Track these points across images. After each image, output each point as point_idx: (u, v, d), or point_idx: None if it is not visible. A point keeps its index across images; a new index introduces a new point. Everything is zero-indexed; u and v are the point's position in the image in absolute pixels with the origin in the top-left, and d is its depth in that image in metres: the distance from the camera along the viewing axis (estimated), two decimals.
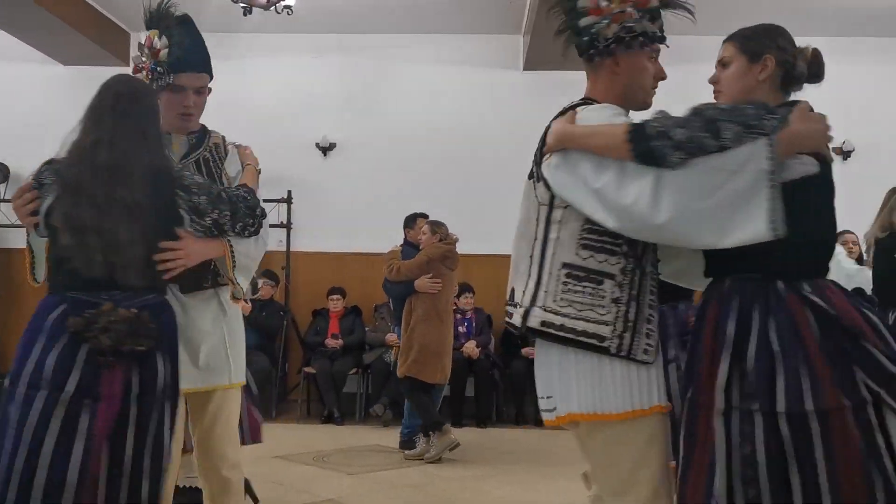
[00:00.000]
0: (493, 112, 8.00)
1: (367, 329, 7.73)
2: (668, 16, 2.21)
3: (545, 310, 2.09)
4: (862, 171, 7.52)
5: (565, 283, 2.07)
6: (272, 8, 6.52)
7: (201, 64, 2.75)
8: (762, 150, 1.91)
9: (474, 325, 7.47)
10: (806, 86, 2.20)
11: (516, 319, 2.15)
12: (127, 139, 2.35)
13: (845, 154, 7.83)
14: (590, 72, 2.24)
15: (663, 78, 2.23)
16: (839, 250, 4.99)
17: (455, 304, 6.79)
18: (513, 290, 2.20)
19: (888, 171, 6.49)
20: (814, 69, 2.19)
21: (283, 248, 7.86)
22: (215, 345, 2.71)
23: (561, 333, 2.06)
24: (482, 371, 7.28)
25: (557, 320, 2.07)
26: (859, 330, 1.98)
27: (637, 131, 1.97)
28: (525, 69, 8.01)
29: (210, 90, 2.83)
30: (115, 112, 2.38)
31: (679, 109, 2.01)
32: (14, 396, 2.21)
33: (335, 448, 6.15)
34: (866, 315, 2.02)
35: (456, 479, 5.25)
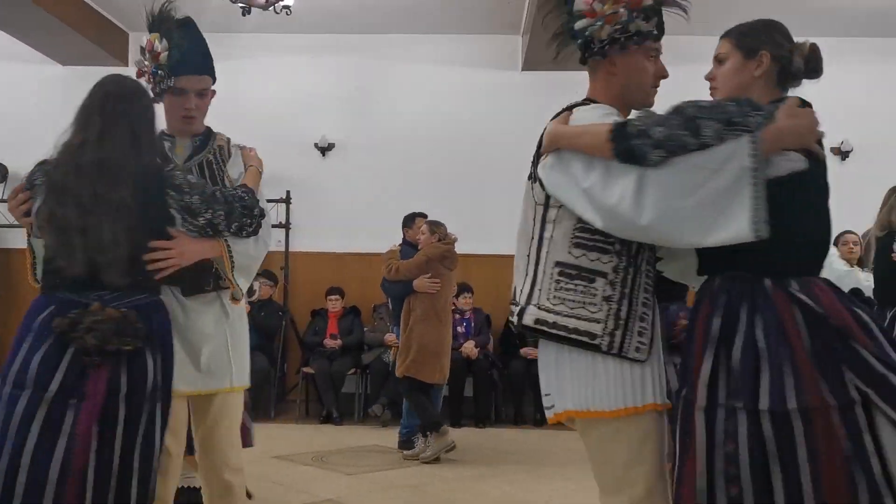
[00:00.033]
0: (492, 112, 8.00)
1: (365, 329, 7.73)
2: (667, 16, 2.21)
3: (539, 308, 2.11)
4: (860, 171, 7.52)
5: (558, 282, 2.10)
6: (271, 8, 6.51)
7: (202, 66, 2.74)
8: (745, 147, 1.90)
9: (473, 325, 7.47)
10: (805, 82, 2.18)
11: (514, 318, 2.17)
12: (115, 139, 2.36)
13: (843, 154, 7.84)
14: (590, 73, 2.26)
15: (664, 76, 2.23)
16: (832, 251, 5.01)
17: (454, 304, 6.79)
18: (515, 289, 2.23)
19: (886, 171, 6.49)
20: (811, 65, 2.16)
21: (282, 249, 7.86)
22: (217, 348, 2.70)
23: (553, 331, 2.09)
24: (481, 371, 7.28)
25: (550, 318, 2.09)
26: (848, 329, 1.96)
27: (619, 130, 1.99)
28: (524, 69, 8.01)
29: (214, 92, 2.82)
30: (103, 112, 2.39)
31: None
32: (0, 396, 2.24)
33: (334, 448, 6.15)
34: (857, 314, 2.00)
35: (454, 479, 5.25)
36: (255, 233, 2.60)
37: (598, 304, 2.06)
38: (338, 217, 7.98)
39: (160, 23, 2.70)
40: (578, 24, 2.18)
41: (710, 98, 2.16)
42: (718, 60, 2.19)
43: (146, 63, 2.70)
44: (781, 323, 1.97)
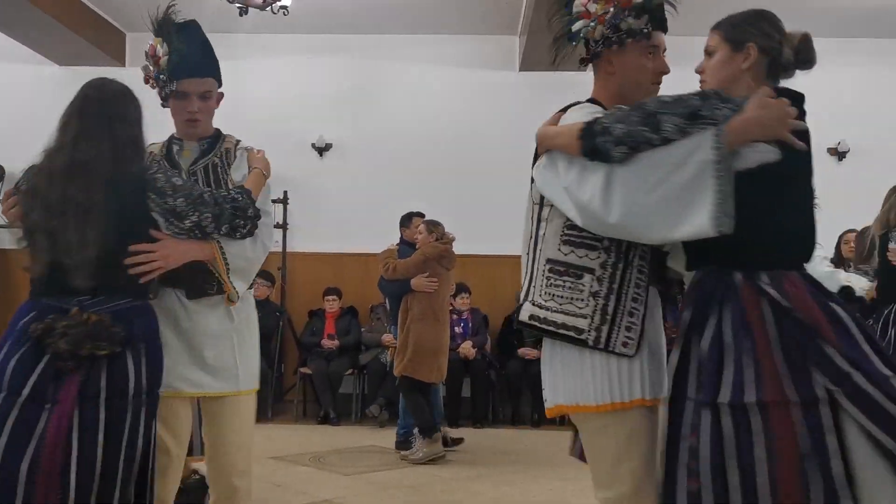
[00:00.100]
0: (489, 112, 8.01)
1: (363, 330, 7.73)
2: (668, 16, 2.23)
3: (533, 304, 2.16)
4: (857, 171, 7.56)
5: (548, 278, 2.14)
6: (268, 8, 6.51)
7: (204, 68, 2.72)
8: (708, 140, 1.90)
9: (470, 325, 7.47)
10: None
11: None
12: (90, 142, 2.36)
13: (840, 155, 7.85)
14: (594, 73, 2.29)
15: (665, 72, 2.24)
16: (818, 253, 5.02)
17: (451, 304, 6.79)
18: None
19: (883, 171, 6.50)
20: (802, 55, 2.11)
21: (279, 249, 7.85)
22: (223, 351, 2.68)
23: (544, 326, 2.13)
24: (478, 371, 7.28)
25: (542, 314, 2.14)
26: (815, 324, 1.93)
27: (586, 129, 2.01)
28: (521, 70, 8.02)
29: (222, 95, 2.81)
30: (81, 115, 2.40)
31: None
32: None
33: (331, 449, 6.14)
34: (830, 309, 1.96)
35: (452, 480, 5.25)
36: (250, 234, 2.59)
37: (586, 300, 2.09)
38: (335, 217, 7.97)
39: (161, 27, 2.70)
40: (576, 26, 2.21)
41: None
42: (707, 53, 2.18)
43: (151, 68, 2.70)
44: (746, 316, 1.96)
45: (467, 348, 7.24)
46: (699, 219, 1.89)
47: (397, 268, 5.87)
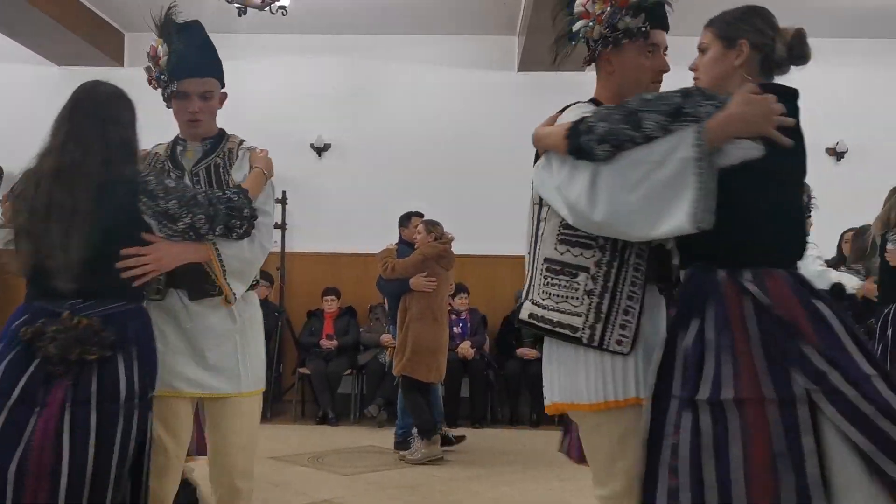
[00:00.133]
0: (488, 113, 8.00)
1: (361, 330, 7.73)
2: (669, 15, 2.24)
3: (532, 302, 2.19)
4: (855, 171, 7.56)
5: (545, 277, 2.16)
6: (267, 9, 6.51)
7: (204, 68, 2.71)
8: (689, 138, 1.90)
9: (469, 325, 7.47)
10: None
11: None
12: (79, 145, 2.36)
13: (839, 155, 7.85)
14: (596, 73, 2.30)
15: (665, 70, 2.25)
16: (811, 252, 5.05)
17: (450, 304, 6.79)
18: None
19: (882, 171, 6.51)
20: (796, 51, 2.09)
21: (278, 249, 7.85)
22: (225, 351, 2.67)
23: (541, 324, 2.15)
24: (477, 371, 7.28)
25: (540, 312, 2.16)
26: (793, 321, 1.91)
27: (573, 128, 2.03)
28: (520, 70, 8.02)
29: (225, 95, 2.81)
30: (71, 119, 2.40)
31: None
32: None
33: (330, 449, 6.14)
34: (812, 307, 1.94)
35: (450, 480, 5.25)
36: (247, 234, 2.57)
37: (580, 298, 2.10)
38: (334, 217, 7.97)
39: (163, 28, 2.70)
40: (576, 26, 2.23)
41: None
42: (701, 50, 2.17)
43: (153, 69, 2.70)
44: (727, 313, 1.95)
45: (466, 348, 7.24)
46: (678, 216, 1.89)
47: (396, 267, 5.87)
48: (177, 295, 2.62)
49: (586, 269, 2.11)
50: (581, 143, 2.00)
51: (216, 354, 2.65)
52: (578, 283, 2.10)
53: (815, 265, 5.13)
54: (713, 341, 1.94)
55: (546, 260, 2.16)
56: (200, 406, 2.79)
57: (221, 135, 2.81)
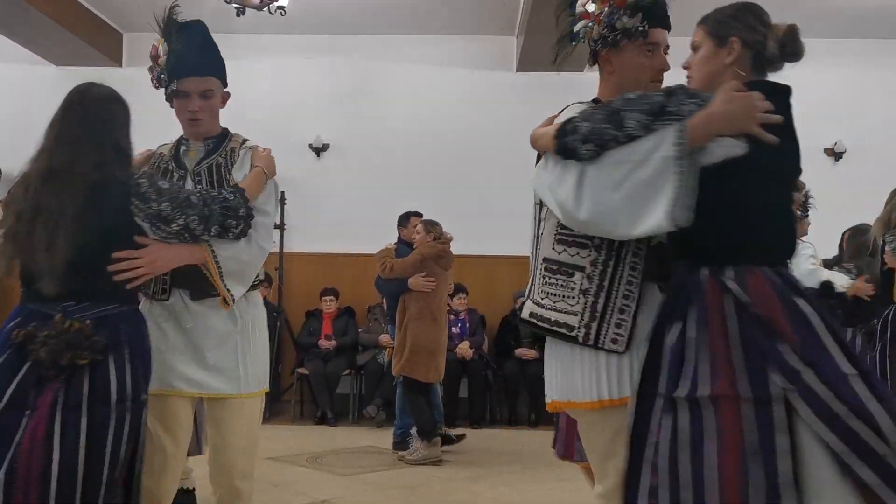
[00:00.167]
0: (487, 113, 8.00)
1: (360, 330, 7.72)
2: (671, 15, 2.25)
3: (532, 302, 2.22)
4: (854, 172, 7.56)
5: (544, 277, 2.18)
6: (266, 9, 6.51)
7: (204, 67, 2.71)
8: (670, 136, 1.90)
9: (468, 325, 7.47)
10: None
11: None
12: (69, 148, 2.36)
13: (837, 155, 7.85)
14: (599, 73, 2.31)
15: (665, 69, 2.25)
16: (805, 251, 5.06)
17: (448, 304, 6.79)
18: None
19: (880, 172, 6.52)
20: (788, 48, 2.05)
21: (277, 249, 7.85)
22: (225, 352, 2.67)
23: (539, 323, 2.18)
24: (475, 372, 7.28)
25: (538, 311, 2.18)
26: (771, 320, 1.90)
27: (561, 128, 2.05)
28: (518, 70, 8.01)
29: (228, 94, 2.80)
30: (62, 122, 2.40)
31: None
32: None
33: (329, 449, 6.14)
34: (793, 306, 1.93)
35: (449, 480, 5.25)
36: (243, 234, 2.56)
37: (576, 297, 2.12)
38: (332, 218, 7.97)
39: (164, 27, 2.70)
40: (577, 27, 2.24)
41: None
42: (693, 48, 2.17)
43: (155, 68, 2.71)
44: (706, 311, 1.95)
45: (464, 349, 7.24)
46: (657, 214, 1.90)
47: (395, 267, 5.86)
48: (179, 295, 2.62)
49: (582, 269, 2.12)
50: (567, 143, 2.02)
51: (216, 355, 2.65)
52: (574, 283, 2.12)
53: (807, 264, 5.14)
54: (693, 339, 1.94)
55: (545, 259, 2.19)
56: (200, 406, 2.79)
57: (225, 134, 2.80)
